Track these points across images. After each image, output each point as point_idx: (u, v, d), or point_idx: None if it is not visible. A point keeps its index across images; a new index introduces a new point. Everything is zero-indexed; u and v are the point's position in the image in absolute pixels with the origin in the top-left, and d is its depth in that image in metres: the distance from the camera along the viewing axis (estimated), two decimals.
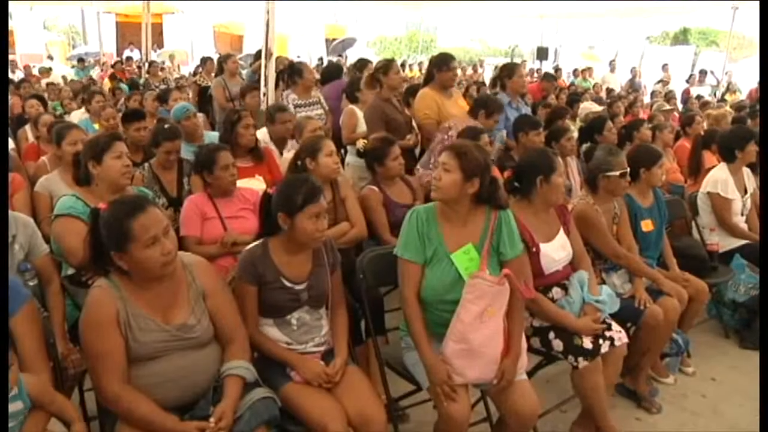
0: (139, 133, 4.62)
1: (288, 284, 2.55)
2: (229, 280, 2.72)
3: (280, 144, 4.90)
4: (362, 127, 5.22)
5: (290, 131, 4.91)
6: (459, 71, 14.16)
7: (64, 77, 13.51)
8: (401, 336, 2.83)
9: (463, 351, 2.52)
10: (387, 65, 5.32)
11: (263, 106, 5.83)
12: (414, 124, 5.17)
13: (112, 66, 14.15)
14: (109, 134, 3.40)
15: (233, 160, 3.46)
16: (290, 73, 6.13)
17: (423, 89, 5.19)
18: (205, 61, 9.66)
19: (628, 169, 3.53)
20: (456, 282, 2.56)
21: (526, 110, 5.71)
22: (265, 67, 6.35)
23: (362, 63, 7.29)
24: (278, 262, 2.56)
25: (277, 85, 6.67)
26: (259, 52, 7.30)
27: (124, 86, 10.33)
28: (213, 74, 8.68)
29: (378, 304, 3.28)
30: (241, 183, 3.60)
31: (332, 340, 2.67)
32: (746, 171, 4.78)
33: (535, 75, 15.80)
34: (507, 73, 5.52)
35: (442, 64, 5.09)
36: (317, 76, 7.52)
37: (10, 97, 7.65)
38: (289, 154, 4.27)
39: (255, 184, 3.86)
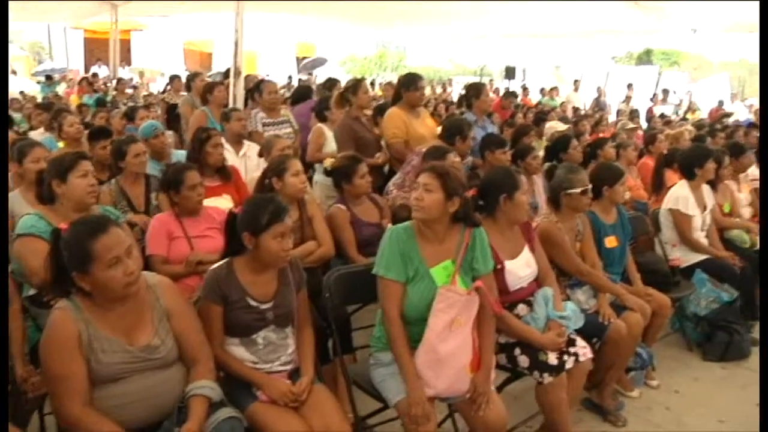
0: (105, 151, 4.58)
1: (253, 303, 2.55)
2: (194, 299, 2.70)
3: (236, 143, 4.96)
4: (331, 145, 5.24)
5: (246, 128, 5.09)
6: (428, 90, 14.34)
7: (22, 93, 13.31)
8: (371, 352, 2.83)
9: (432, 361, 2.55)
10: (356, 84, 5.38)
11: None
12: (383, 142, 5.20)
13: (79, 83, 13.98)
14: (74, 153, 3.36)
15: (200, 180, 3.45)
16: (256, 92, 6.14)
17: (391, 109, 5.22)
18: (173, 78, 9.62)
19: (590, 186, 3.60)
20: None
21: (493, 129, 5.79)
22: (234, 85, 6.35)
23: (331, 82, 7.35)
24: (243, 282, 2.56)
25: (246, 104, 6.68)
26: (228, 71, 7.30)
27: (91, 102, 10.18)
28: (181, 92, 8.64)
29: (345, 322, 3.28)
30: (208, 202, 3.59)
31: (299, 359, 2.67)
32: (706, 188, 4.91)
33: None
34: (473, 93, 5.60)
35: (410, 84, 5.14)
36: (287, 93, 7.54)
37: None
38: (256, 173, 4.26)
39: (222, 203, 3.84)
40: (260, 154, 4.64)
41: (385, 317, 2.64)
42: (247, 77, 7.53)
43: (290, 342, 2.66)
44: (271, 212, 2.48)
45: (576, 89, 16.55)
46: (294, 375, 2.61)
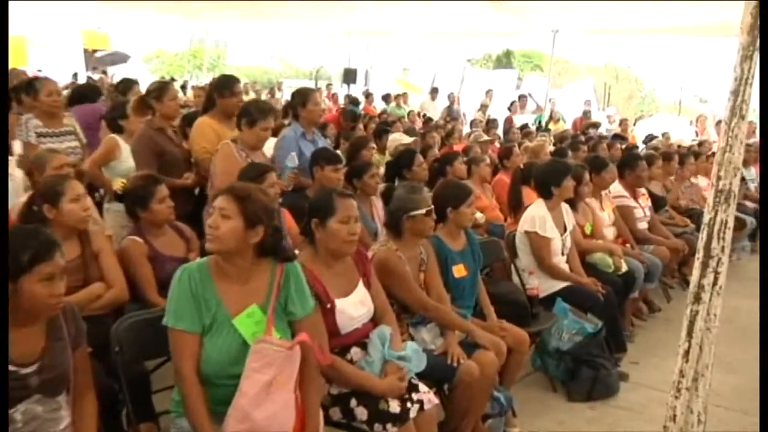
0: None
1: (11, 368, 2.38)
2: None
3: None
4: (128, 162, 5.09)
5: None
6: (252, 95, 14.28)
7: None
8: (172, 418, 2.78)
9: (246, 431, 2.51)
10: (161, 88, 5.29)
11: None
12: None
13: None
14: None
15: None
16: (27, 91, 5.83)
17: (201, 118, 5.18)
18: None
19: (432, 207, 3.74)
20: (242, 351, 2.58)
21: (324, 143, 5.82)
22: None
23: (127, 84, 7.13)
24: None
25: (10, 107, 6.31)
26: None
27: None
28: None
29: (142, 382, 3.21)
30: None
31: None
32: (565, 207, 5.23)
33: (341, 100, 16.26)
34: (299, 100, 5.55)
35: (224, 88, 5.13)
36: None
37: None
38: (23, 198, 4.05)
39: None
40: (28, 173, 4.41)
41: (177, 376, 2.59)
42: (11, 72, 7.13)
43: (63, 414, 2.51)
44: (34, 249, 2.37)
45: (433, 98, 17.06)
46: None
